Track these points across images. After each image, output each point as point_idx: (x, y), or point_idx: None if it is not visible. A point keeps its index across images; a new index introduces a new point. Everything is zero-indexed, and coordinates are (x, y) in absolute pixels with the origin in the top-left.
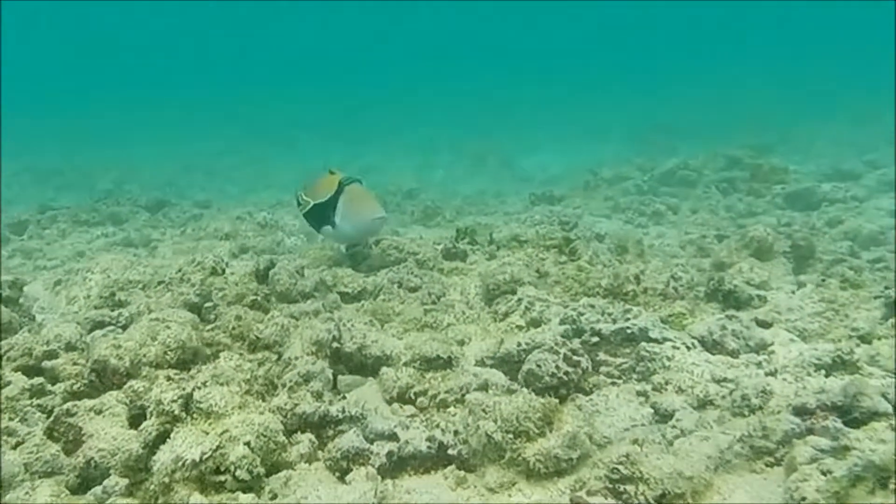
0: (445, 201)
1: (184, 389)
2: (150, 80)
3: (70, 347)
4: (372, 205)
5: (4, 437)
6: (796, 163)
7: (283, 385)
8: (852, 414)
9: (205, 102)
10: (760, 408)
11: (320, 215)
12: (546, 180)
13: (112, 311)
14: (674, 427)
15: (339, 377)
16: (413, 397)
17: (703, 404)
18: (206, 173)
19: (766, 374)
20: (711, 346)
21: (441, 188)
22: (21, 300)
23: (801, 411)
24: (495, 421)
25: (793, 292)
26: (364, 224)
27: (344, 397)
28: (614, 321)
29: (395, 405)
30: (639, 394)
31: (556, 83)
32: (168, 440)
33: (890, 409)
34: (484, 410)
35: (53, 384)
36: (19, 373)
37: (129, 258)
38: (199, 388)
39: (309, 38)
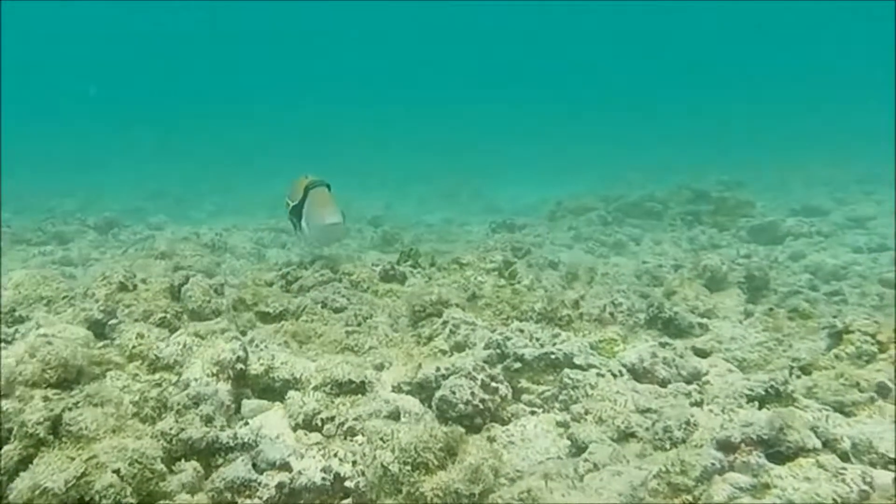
0: (408, 229)
1: (52, 410)
2: (127, 102)
3: None
4: (329, 210)
5: None
6: (767, 199)
7: (171, 408)
8: (778, 448)
9: (185, 127)
10: (683, 441)
11: (295, 217)
12: (515, 211)
13: (9, 327)
14: (586, 461)
15: (244, 401)
16: (320, 424)
17: (624, 436)
18: (177, 199)
19: (693, 405)
20: (641, 374)
21: (408, 217)
22: None
23: (724, 445)
24: (393, 451)
25: (740, 322)
26: (319, 229)
27: (247, 423)
28: (541, 346)
29: (301, 432)
30: (559, 424)
31: (535, 117)
32: (30, 467)
33: (819, 444)
34: (382, 439)
35: None
36: None
37: (43, 273)
38: (70, 410)
39: (291, 68)
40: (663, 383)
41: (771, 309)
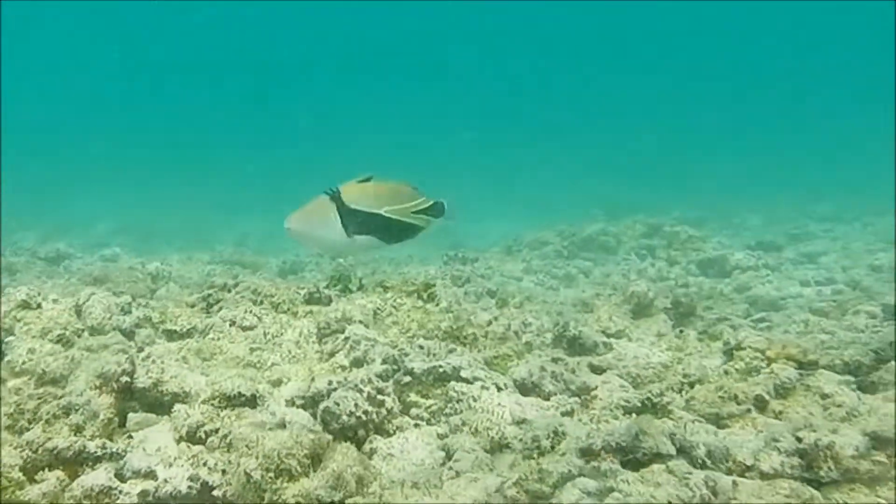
0: (366, 264)
1: None
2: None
3: None
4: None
5: None
6: (724, 235)
7: (41, 418)
8: (634, 455)
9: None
10: (552, 449)
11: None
12: (479, 247)
13: None
14: (450, 468)
15: (130, 415)
16: (203, 437)
17: (497, 447)
18: (144, 234)
19: (563, 415)
20: (530, 388)
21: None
22: None
23: (586, 452)
24: (257, 458)
25: (652, 344)
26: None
27: (130, 436)
28: (433, 360)
29: (184, 445)
30: (439, 436)
31: (508, 149)
32: None
33: (674, 451)
34: (247, 446)
35: None
36: None
37: None
38: None
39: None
40: (548, 397)
41: (681, 331)
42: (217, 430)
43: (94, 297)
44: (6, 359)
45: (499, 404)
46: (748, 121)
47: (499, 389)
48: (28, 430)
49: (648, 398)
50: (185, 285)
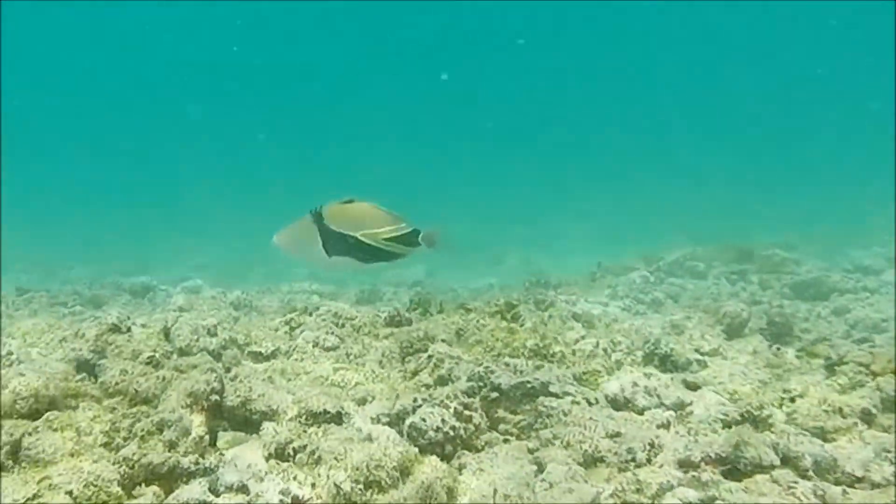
0: (446, 292)
1: (11, 436)
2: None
3: None
4: (283, 232)
5: None
6: (819, 258)
7: (136, 435)
8: (736, 465)
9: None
10: (648, 462)
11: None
12: (560, 274)
13: (4, 369)
14: (543, 480)
15: (220, 433)
16: (292, 453)
17: (591, 460)
18: (223, 268)
19: (659, 427)
20: (622, 403)
21: (451, 282)
22: None
23: (685, 463)
24: (345, 470)
25: (747, 362)
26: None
27: (221, 454)
28: (520, 376)
29: (273, 462)
30: (530, 450)
31: (583, 180)
32: None
33: (777, 461)
34: (336, 458)
35: None
36: None
37: (49, 322)
38: (30, 435)
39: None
40: (641, 411)
41: (778, 348)
42: (305, 447)
43: (181, 320)
44: (100, 379)
45: (590, 418)
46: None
47: (590, 404)
48: (124, 446)
49: (748, 411)
50: (266, 313)
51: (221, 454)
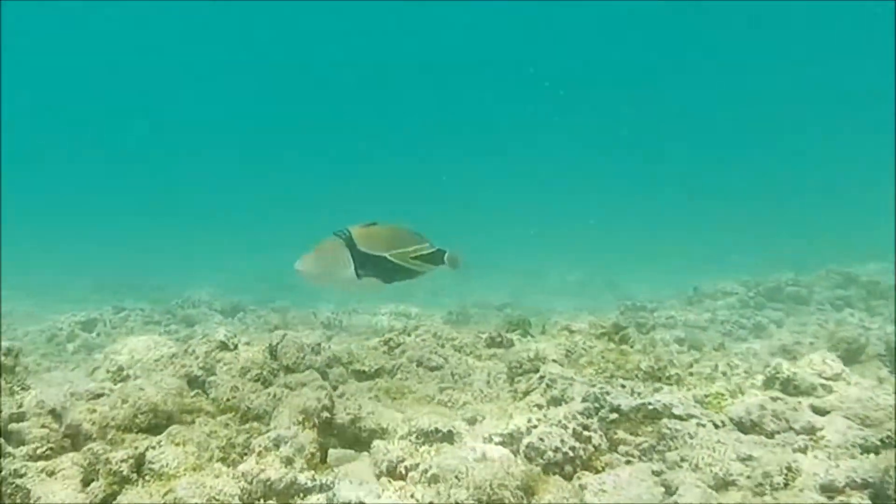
0: (536, 315)
1: (136, 449)
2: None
3: (51, 413)
4: (307, 256)
5: None
6: None
7: (253, 451)
8: (886, 491)
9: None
10: (785, 486)
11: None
12: (649, 299)
13: (115, 384)
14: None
15: (330, 451)
16: (404, 472)
17: (722, 484)
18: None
19: (795, 451)
20: (749, 426)
21: (536, 305)
22: (17, 368)
23: (828, 489)
24: (467, 489)
25: (874, 387)
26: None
27: (332, 470)
28: (639, 398)
29: (385, 479)
30: (654, 473)
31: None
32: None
33: None
34: (457, 477)
35: (17, 447)
36: None
37: (155, 339)
38: (153, 448)
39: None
40: (771, 435)
41: None
42: (417, 465)
43: (287, 338)
44: (212, 395)
45: (718, 441)
46: None
47: (716, 427)
48: (240, 462)
49: (889, 436)
50: (356, 333)
51: (332, 471)
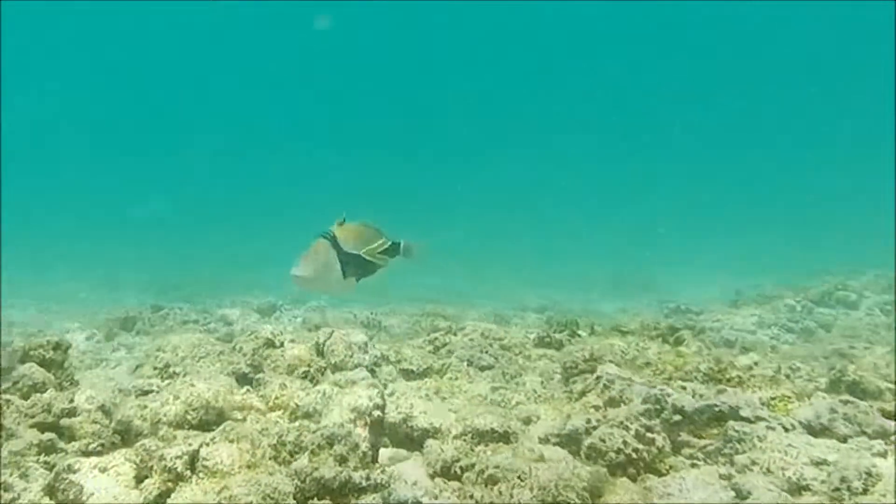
0: (578, 315)
1: (190, 446)
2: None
3: (101, 409)
4: (304, 260)
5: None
6: None
7: (305, 448)
8: None
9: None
10: (864, 491)
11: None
12: (690, 302)
13: (162, 381)
14: None
15: (382, 450)
16: (459, 472)
17: (796, 488)
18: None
19: (874, 455)
20: (818, 430)
21: (575, 306)
22: (65, 364)
23: None
24: (531, 489)
25: None
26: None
27: (383, 470)
28: (702, 399)
29: (439, 480)
30: (722, 477)
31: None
32: (168, 500)
33: None
34: (520, 478)
35: (68, 442)
36: (34, 429)
37: (199, 337)
38: (207, 445)
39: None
40: (843, 439)
41: None
42: (473, 466)
43: (334, 336)
44: (260, 393)
45: (789, 444)
46: None
47: (786, 430)
48: (291, 460)
49: None
50: (395, 334)
51: (383, 471)
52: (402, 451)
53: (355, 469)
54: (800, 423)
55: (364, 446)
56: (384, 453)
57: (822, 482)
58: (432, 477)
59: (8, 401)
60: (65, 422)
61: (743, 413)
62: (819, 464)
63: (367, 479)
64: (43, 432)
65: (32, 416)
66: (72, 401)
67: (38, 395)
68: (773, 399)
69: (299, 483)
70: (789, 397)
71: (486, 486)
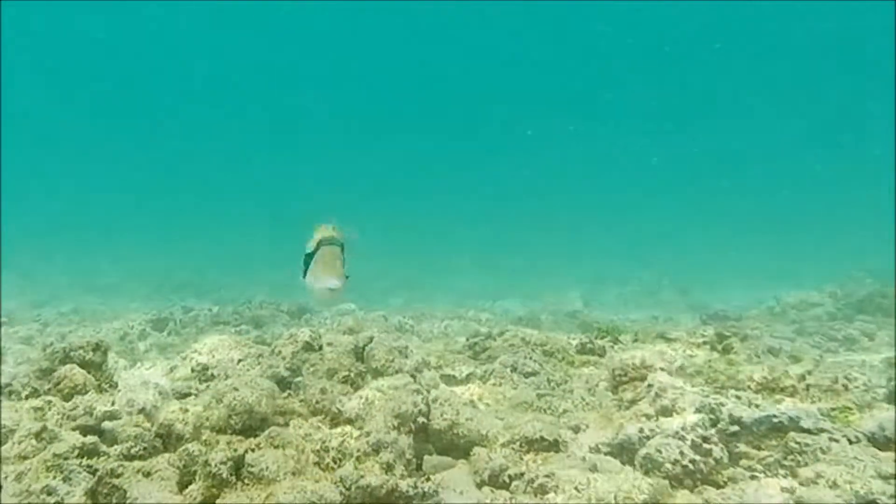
0: (613, 321)
1: (235, 451)
2: None
3: (142, 412)
4: (334, 273)
5: (43, 497)
6: None
7: (350, 455)
8: None
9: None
10: None
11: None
12: (728, 309)
13: (201, 384)
14: None
15: (426, 458)
16: (507, 481)
17: (864, 503)
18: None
19: None
20: (883, 443)
21: (607, 312)
22: (104, 366)
23: None
24: (589, 500)
25: None
26: (317, 290)
27: (428, 479)
28: (760, 410)
29: (486, 489)
30: (784, 490)
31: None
32: None
33: None
34: (576, 489)
35: (110, 445)
36: (76, 432)
37: (236, 339)
38: (252, 451)
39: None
40: None
41: None
42: (522, 475)
43: (375, 341)
44: (301, 397)
45: (854, 457)
46: None
47: (850, 442)
48: (335, 466)
49: None
50: (427, 339)
51: (428, 479)
52: (447, 459)
53: (402, 477)
54: (864, 434)
55: (409, 454)
56: (429, 461)
57: (891, 497)
58: (479, 486)
59: (50, 402)
60: (106, 424)
61: (804, 424)
62: (887, 477)
63: (415, 487)
64: (85, 435)
65: (74, 419)
66: (113, 403)
67: (80, 396)
68: (833, 410)
69: (345, 490)
70: (850, 408)
71: (535, 495)
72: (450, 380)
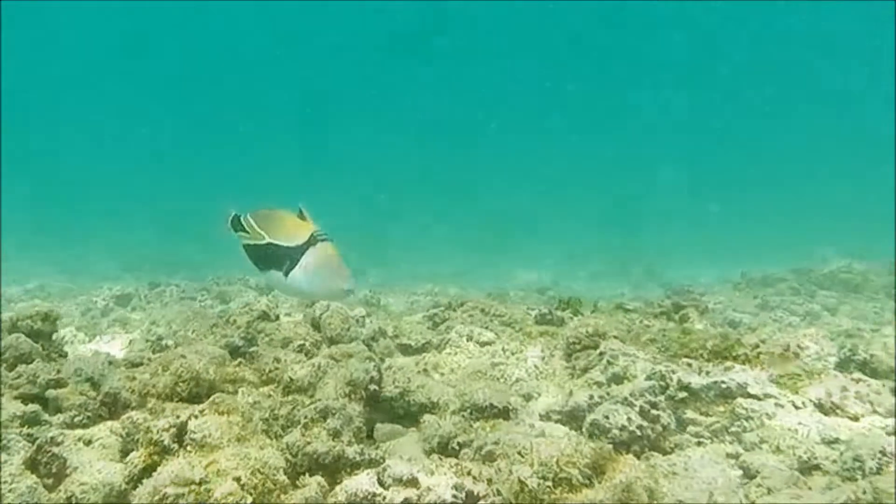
0: (581, 296)
1: (177, 418)
2: None
3: (88, 380)
4: (344, 274)
5: None
6: None
7: (298, 422)
8: None
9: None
10: (878, 471)
11: (273, 257)
12: (691, 284)
13: (153, 353)
14: (759, 486)
15: (377, 425)
16: (457, 448)
17: (807, 468)
18: None
19: (888, 434)
20: (829, 408)
21: (578, 289)
22: (53, 335)
23: None
24: (531, 465)
25: None
26: (330, 291)
27: (378, 447)
28: (709, 376)
29: (435, 456)
30: (729, 455)
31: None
32: (154, 474)
33: None
34: (520, 453)
35: (53, 414)
36: (18, 401)
37: (193, 310)
38: (196, 417)
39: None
40: (856, 418)
41: None
42: (471, 442)
43: (332, 309)
44: (254, 366)
45: (800, 423)
46: None
47: (796, 408)
48: (283, 434)
49: None
50: (392, 313)
51: (377, 447)
52: (398, 427)
53: (349, 444)
54: (810, 401)
55: (358, 421)
56: (380, 428)
57: (834, 461)
58: (428, 453)
59: None
60: (50, 393)
61: (751, 390)
62: (831, 443)
63: (361, 454)
64: (27, 404)
65: (17, 388)
66: (59, 372)
67: (24, 365)
68: (781, 377)
69: (290, 457)
70: (799, 375)
71: (483, 462)
72: (406, 349)
